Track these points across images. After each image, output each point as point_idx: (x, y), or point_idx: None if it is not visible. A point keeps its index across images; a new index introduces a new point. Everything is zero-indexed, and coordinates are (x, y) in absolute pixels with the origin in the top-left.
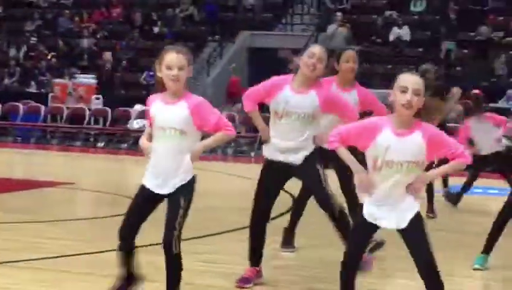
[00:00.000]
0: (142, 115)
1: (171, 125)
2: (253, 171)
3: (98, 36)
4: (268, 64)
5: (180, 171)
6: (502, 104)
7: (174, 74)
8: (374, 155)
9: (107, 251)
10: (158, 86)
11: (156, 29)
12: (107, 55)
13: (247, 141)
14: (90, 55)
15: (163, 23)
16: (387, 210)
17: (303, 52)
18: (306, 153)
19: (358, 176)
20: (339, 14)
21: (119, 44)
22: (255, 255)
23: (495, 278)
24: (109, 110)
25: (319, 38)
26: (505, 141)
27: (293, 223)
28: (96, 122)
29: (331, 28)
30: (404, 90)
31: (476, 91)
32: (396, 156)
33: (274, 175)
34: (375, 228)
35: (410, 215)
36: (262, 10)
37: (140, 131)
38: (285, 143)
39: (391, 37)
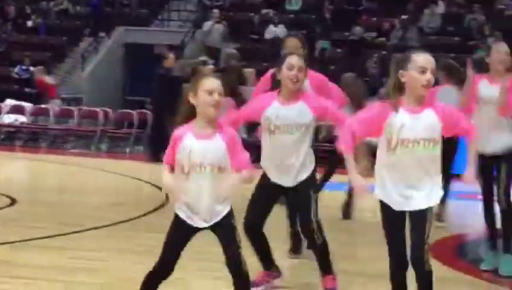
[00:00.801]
0: (13, 109)
1: (209, 162)
2: (127, 167)
3: None
4: (144, 60)
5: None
6: (374, 102)
7: (217, 99)
8: (387, 137)
9: None
10: (182, 116)
11: (29, 23)
12: None
13: (122, 137)
14: None
15: (37, 17)
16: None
17: (281, 65)
18: (302, 176)
19: (356, 186)
20: (215, 11)
21: None
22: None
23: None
24: None
25: (195, 35)
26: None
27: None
28: None
29: (207, 24)
30: (423, 71)
31: None
32: (411, 134)
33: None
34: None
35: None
36: (138, 6)
37: (12, 126)
38: (279, 162)
39: (267, 35)
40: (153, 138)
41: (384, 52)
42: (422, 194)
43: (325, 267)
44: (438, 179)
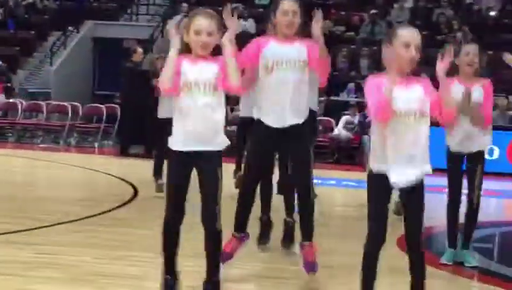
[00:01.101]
0: None
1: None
2: (96, 162)
3: None
4: (113, 54)
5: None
6: (342, 97)
7: (203, 40)
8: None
9: None
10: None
11: None
12: None
13: (91, 131)
14: None
15: (5, 11)
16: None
17: (274, 13)
18: (300, 119)
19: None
20: (184, 5)
21: None
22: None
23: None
24: None
25: (164, 29)
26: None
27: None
28: None
29: (176, 18)
30: (407, 46)
31: None
32: (404, 106)
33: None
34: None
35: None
36: (107, 0)
37: None
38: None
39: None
40: (122, 132)
41: (353, 47)
42: (418, 169)
43: (310, 232)
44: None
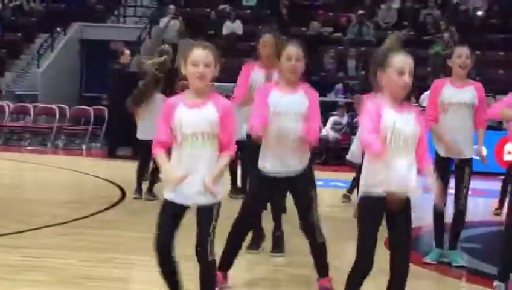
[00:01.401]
0: None
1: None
2: (84, 164)
3: None
4: (100, 56)
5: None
6: (330, 97)
7: (200, 71)
8: (382, 135)
9: None
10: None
11: None
12: None
13: (79, 133)
14: None
15: None
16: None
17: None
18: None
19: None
20: (172, 6)
21: None
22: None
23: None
24: None
25: (152, 31)
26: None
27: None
28: None
29: (164, 20)
30: (401, 72)
31: None
32: (402, 131)
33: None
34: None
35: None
36: (94, 2)
37: None
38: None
39: (224, 31)
40: (109, 134)
41: (340, 48)
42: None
43: (324, 267)
44: None
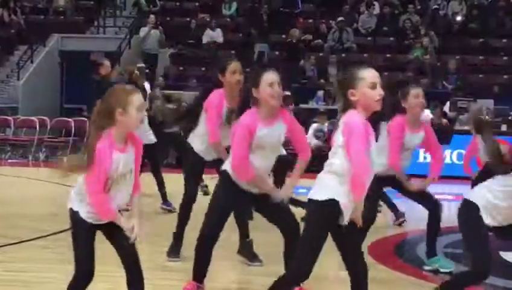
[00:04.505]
0: None
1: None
2: (65, 177)
3: None
4: (80, 67)
5: None
6: (311, 104)
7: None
8: None
9: None
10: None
11: None
12: None
13: (60, 145)
14: None
15: None
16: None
17: (255, 85)
18: None
19: None
20: (152, 16)
21: None
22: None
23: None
24: None
25: (132, 41)
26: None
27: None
28: None
29: (143, 30)
30: (374, 86)
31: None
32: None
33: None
34: None
35: None
36: (73, 13)
37: None
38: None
39: (205, 40)
40: None
41: (321, 54)
42: None
43: None
44: None
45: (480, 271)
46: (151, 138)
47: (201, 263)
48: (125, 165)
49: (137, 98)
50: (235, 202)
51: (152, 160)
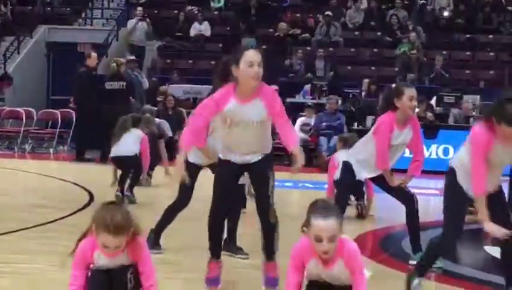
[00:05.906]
0: None
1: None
2: (51, 168)
3: None
4: (67, 59)
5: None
6: (299, 98)
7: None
8: None
9: None
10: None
11: None
12: None
13: (46, 137)
14: None
15: None
16: None
17: (236, 63)
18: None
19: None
20: (139, 8)
21: None
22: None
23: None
24: None
25: (119, 33)
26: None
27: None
28: None
29: (131, 22)
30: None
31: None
32: None
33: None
34: None
35: None
36: (60, 4)
37: None
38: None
39: (192, 32)
40: (77, 137)
41: (308, 48)
42: None
43: (272, 251)
44: None
45: (451, 234)
46: None
47: (216, 239)
48: None
49: None
50: (229, 172)
51: None
